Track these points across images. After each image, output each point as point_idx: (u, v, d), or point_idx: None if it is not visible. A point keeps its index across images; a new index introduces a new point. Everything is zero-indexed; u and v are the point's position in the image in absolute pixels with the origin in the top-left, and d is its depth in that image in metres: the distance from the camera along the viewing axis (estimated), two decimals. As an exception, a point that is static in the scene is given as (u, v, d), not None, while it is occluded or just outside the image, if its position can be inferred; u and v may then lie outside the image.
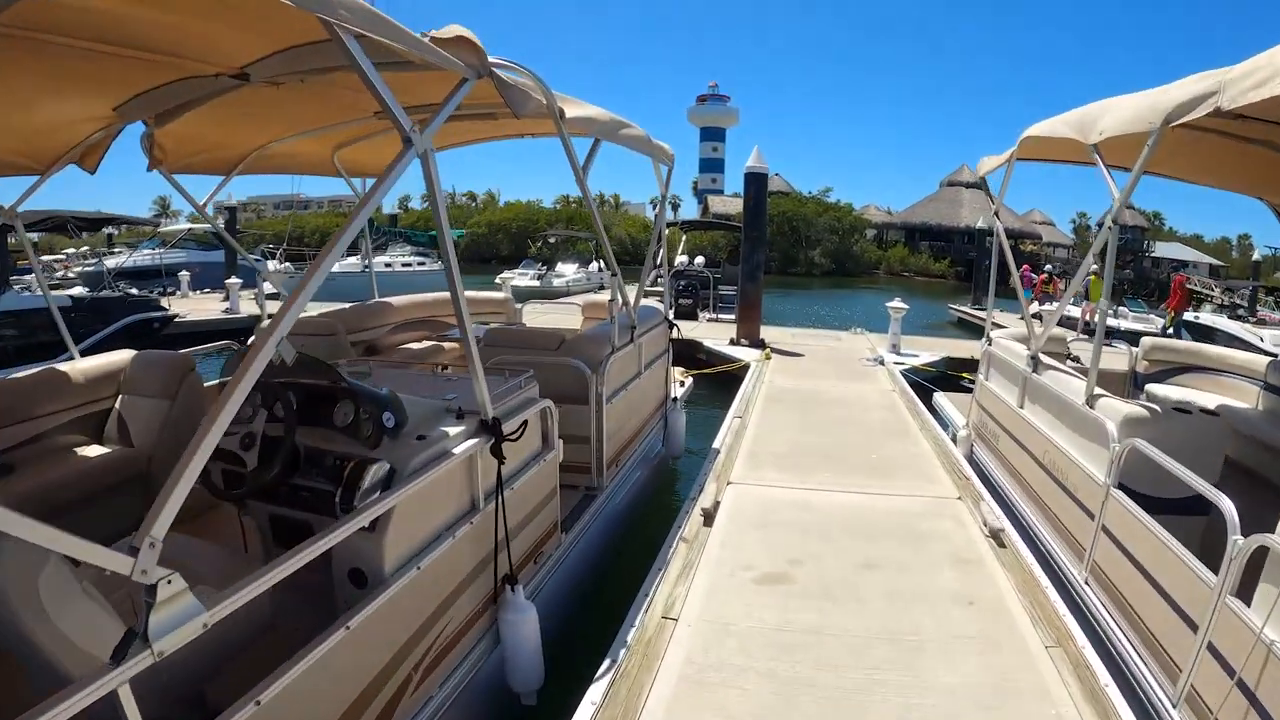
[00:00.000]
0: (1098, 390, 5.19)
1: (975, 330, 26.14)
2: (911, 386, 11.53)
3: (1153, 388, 7.88)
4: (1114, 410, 4.85)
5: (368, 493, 3.26)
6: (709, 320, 19.66)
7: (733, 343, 15.14)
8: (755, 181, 15.28)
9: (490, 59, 3.60)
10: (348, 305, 8.10)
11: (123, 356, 5.40)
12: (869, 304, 37.85)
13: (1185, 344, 9.12)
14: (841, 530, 5.78)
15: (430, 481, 3.38)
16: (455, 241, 14.78)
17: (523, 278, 26.66)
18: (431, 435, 3.59)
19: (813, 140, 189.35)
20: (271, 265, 28.60)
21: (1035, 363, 6.42)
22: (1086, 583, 4.82)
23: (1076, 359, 7.86)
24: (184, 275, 25.35)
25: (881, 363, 13.32)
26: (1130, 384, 8.45)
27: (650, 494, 7.46)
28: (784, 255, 62.33)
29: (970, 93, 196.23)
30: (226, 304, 22.07)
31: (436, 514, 3.54)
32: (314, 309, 7.90)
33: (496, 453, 3.83)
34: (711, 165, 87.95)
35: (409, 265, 30.34)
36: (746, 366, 12.81)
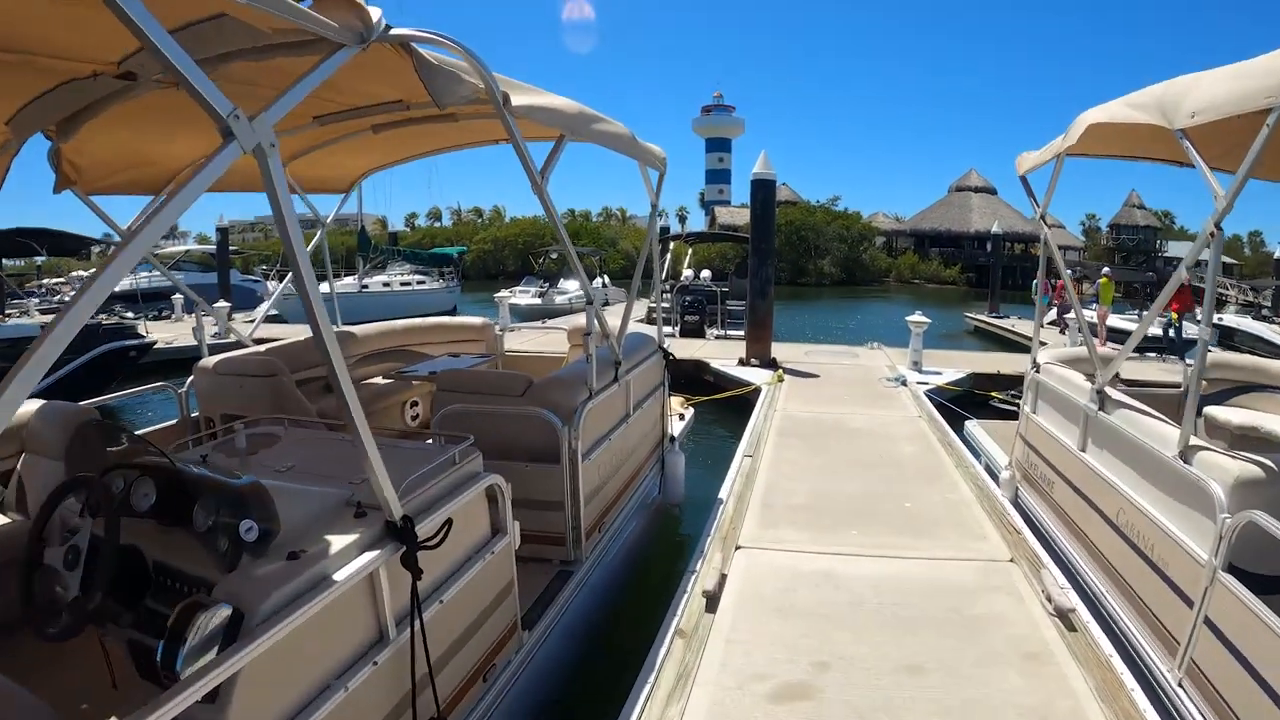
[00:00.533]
0: (1195, 440, 4.10)
1: (994, 339, 25.13)
2: (938, 409, 10.44)
3: (1214, 411, 6.74)
4: (1220, 469, 3.74)
5: (197, 651, 2.20)
6: (717, 338, 18.59)
7: (742, 363, 14.09)
8: (762, 189, 14.21)
9: (400, 30, 2.62)
10: (297, 340, 7.02)
11: (27, 408, 4.36)
12: (882, 314, 36.85)
13: (1247, 359, 7.94)
14: (876, 616, 4.66)
15: (303, 623, 2.33)
16: (458, 257, 25.63)
17: (524, 295, 25.72)
18: (312, 551, 2.54)
19: (820, 148, 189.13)
20: (272, 286, 27.85)
21: (1102, 399, 5.29)
22: (1181, 684, 3.73)
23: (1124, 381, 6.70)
24: (177, 299, 24.47)
25: (904, 383, 12.25)
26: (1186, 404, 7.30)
27: (643, 558, 6.34)
28: (793, 265, 61.39)
29: (977, 95, 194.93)
30: (215, 329, 21.07)
31: (316, 663, 2.48)
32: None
33: (410, 565, 2.78)
34: (718, 176, 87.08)
35: (408, 284, 29.47)
36: (758, 391, 11.75)
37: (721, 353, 15.44)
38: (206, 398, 5.67)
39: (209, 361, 5.68)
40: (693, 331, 18.59)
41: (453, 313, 29.56)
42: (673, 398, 8.31)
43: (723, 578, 5.07)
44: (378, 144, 5.73)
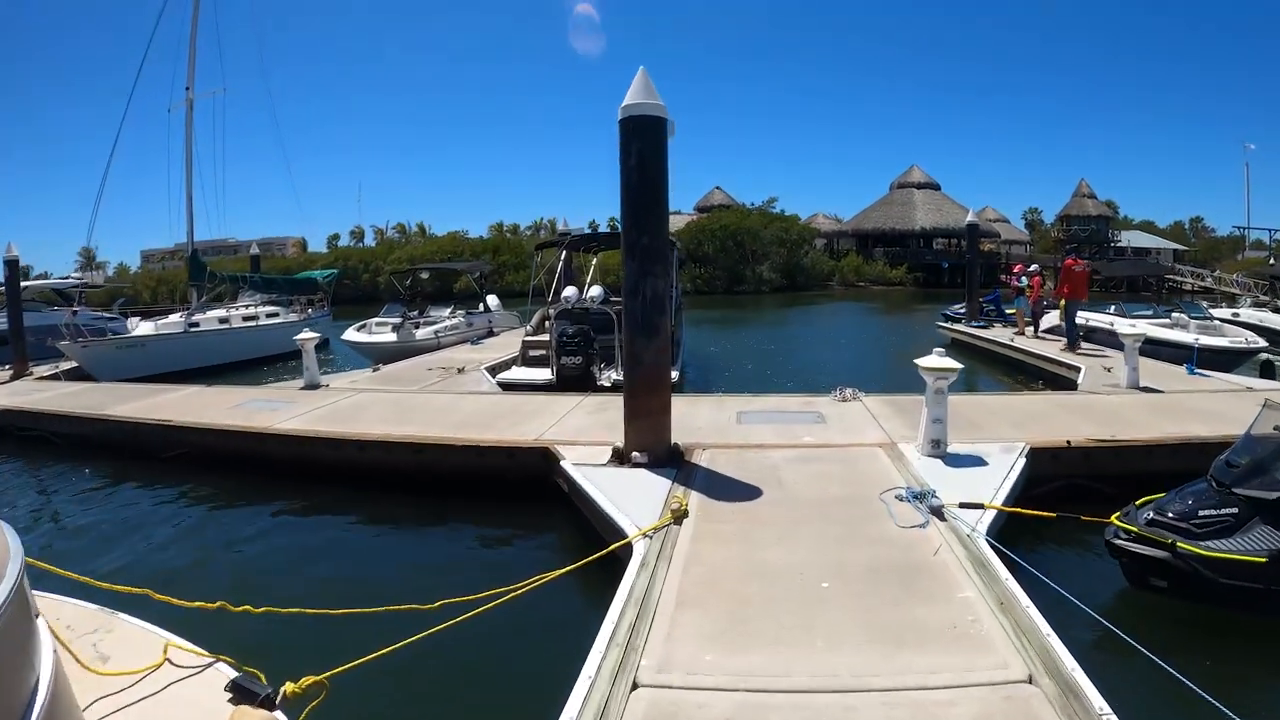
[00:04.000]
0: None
1: (983, 357, 19.03)
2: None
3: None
4: None
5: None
6: (607, 388, 11.78)
7: (619, 458, 7.39)
8: (640, 134, 7.01)
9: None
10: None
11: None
12: (833, 324, 30.46)
13: None
14: None
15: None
16: (324, 282, 19.79)
17: (381, 330, 18.76)
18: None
19: (753, 149, 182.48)
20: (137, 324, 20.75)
21: None
22: None
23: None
24: None
25: (936, 511, 5.67)
26: None
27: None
28: (729, 273, 55.10)
29: (915, 90, 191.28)
30: None
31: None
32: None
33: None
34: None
35: (253, 319, 22.34)
36: (626, 552, 5.20)
37: (598, 426, 8.80)
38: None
39: None
40: (574, 378, 11.84)
41: (322, 348, 22.69)
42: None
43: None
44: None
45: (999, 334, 19.28)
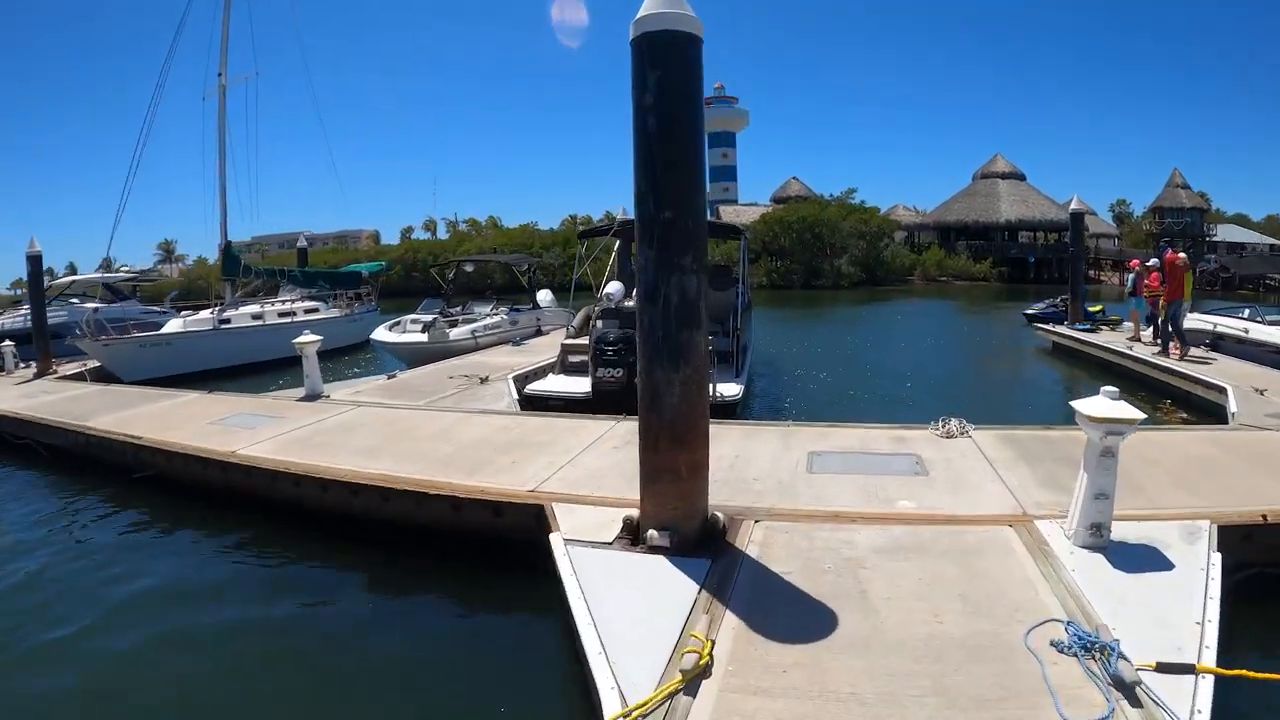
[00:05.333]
0: None
1: (1087, 364, 16.18)
2: None
3: None
4: None
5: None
6: None
7: (630, 531, 5.10)
8: (660, 57, 4.62)
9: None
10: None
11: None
12: (915, 324, 27.48)
13: None
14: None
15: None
16: (370, 276, 25.32)
17: (412, 329, 16.85)
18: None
19: (831, 139, 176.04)
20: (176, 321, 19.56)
21: None
22: None
23: None
24: (7, 347, 16.11)
25: (1127, 690, 3.22)
26: None
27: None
28: (806, 267, 52.03)
29: (997, 75, 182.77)
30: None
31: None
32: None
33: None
34: (721, 173, 77.14)
35: (290, 315, 20.80)
36: None
37: (620, 468, 6.56)
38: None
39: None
40: (612, 394, 9.62)
41: (362, 348, 21.09)
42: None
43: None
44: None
45: (1110, 339, 16.31)
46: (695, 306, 4.72)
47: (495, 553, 5.92)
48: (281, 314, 20.66)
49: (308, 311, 21.44)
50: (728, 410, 9.71)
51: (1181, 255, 14.47)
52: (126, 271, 30.29)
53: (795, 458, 6.76)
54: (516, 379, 11.46)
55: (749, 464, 6.59)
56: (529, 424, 8.60)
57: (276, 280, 22.80)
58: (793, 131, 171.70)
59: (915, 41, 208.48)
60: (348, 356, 18.55)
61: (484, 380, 11.34)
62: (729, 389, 9.90)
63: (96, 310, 19.56)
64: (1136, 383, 13.43)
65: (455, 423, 8.78)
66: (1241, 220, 77.39)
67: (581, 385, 10.34)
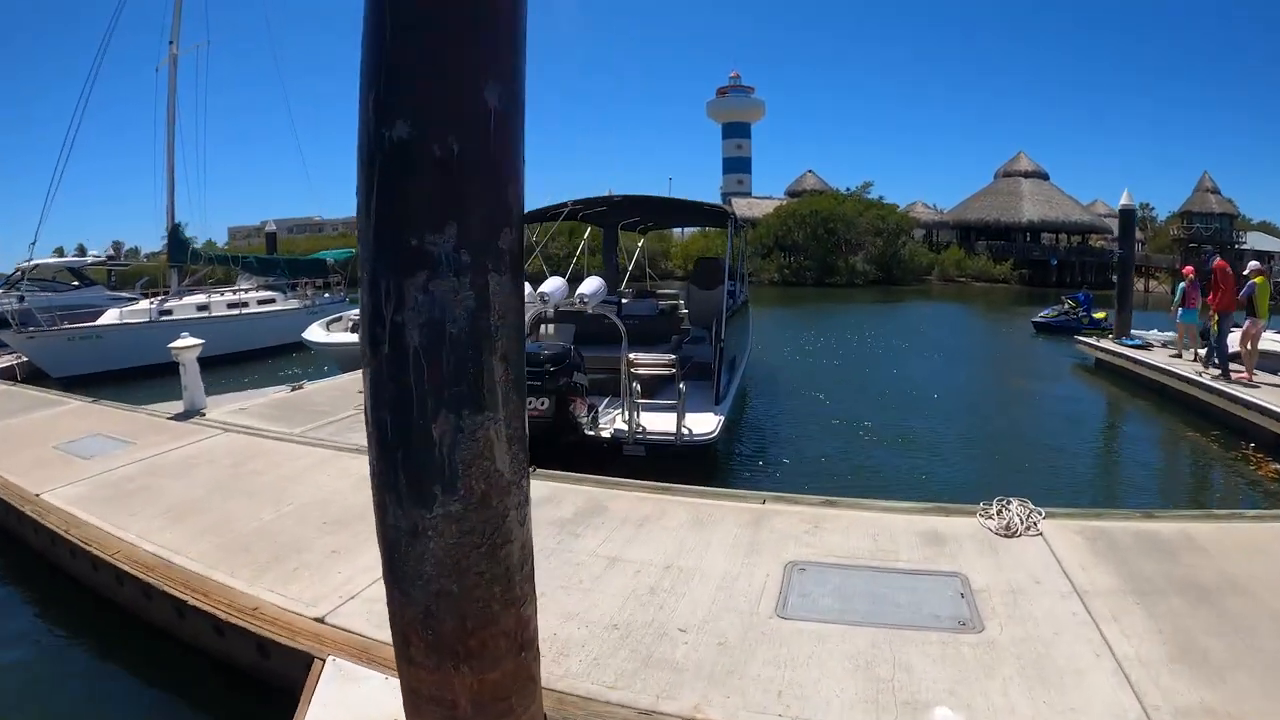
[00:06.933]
0: None
1: (1135, 386, 13.49)
2: None
3: None
4: None
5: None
6: (606, 445, 7.07)
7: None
8: None
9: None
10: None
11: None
12: (934, 332, 24.45)
13: None
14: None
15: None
16: (334, 264, 21.69)
17: (341, 327, 14.40)
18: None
19: (847, 130, 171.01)
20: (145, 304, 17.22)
21: None
22: None
23: None
24: None
25: None
26: None
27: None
28: (821, 263, 49.06)
29: (1021, 70, 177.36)
30: None
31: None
32: None
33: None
34: (736, 165, 73.79)
35: (240, 306, 18.29)
36: None
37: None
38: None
39: None
40: (555, 429, 7.05)
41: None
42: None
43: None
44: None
45: (1158, 358, 13.58)
46: (480, 352, 2.12)
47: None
48: (231, 305, 18.16)
49: (262, 303, 18.91)
50: (697, 456, 7.15)
51: (1254, 264, 11.87)
52: (94, 257, 27.90)
53: (764, 575, 4.10)
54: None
55: (685, 586, 3.98)
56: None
57: (229, 267, 20.30)
58: (810, 126, 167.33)
59: (938, 38, 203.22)
60: (296, 355, 16.07)
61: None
62: (702, 424, 7.27)
63: (23, 299, 17.19)
64: (1200, 414, 10.78)
65: (312, 466, 6.29)
66: (1266, 228, 73.68)
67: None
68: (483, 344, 2.06)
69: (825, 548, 4.39)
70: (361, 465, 6.42)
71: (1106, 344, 15.75)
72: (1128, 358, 14.43)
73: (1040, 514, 4.75)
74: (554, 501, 5.22)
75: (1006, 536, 4.49)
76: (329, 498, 5.45)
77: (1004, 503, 4.80)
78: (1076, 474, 8.71)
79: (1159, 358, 13.67)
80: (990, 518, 4.70)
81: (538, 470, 5.88)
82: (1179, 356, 13.46)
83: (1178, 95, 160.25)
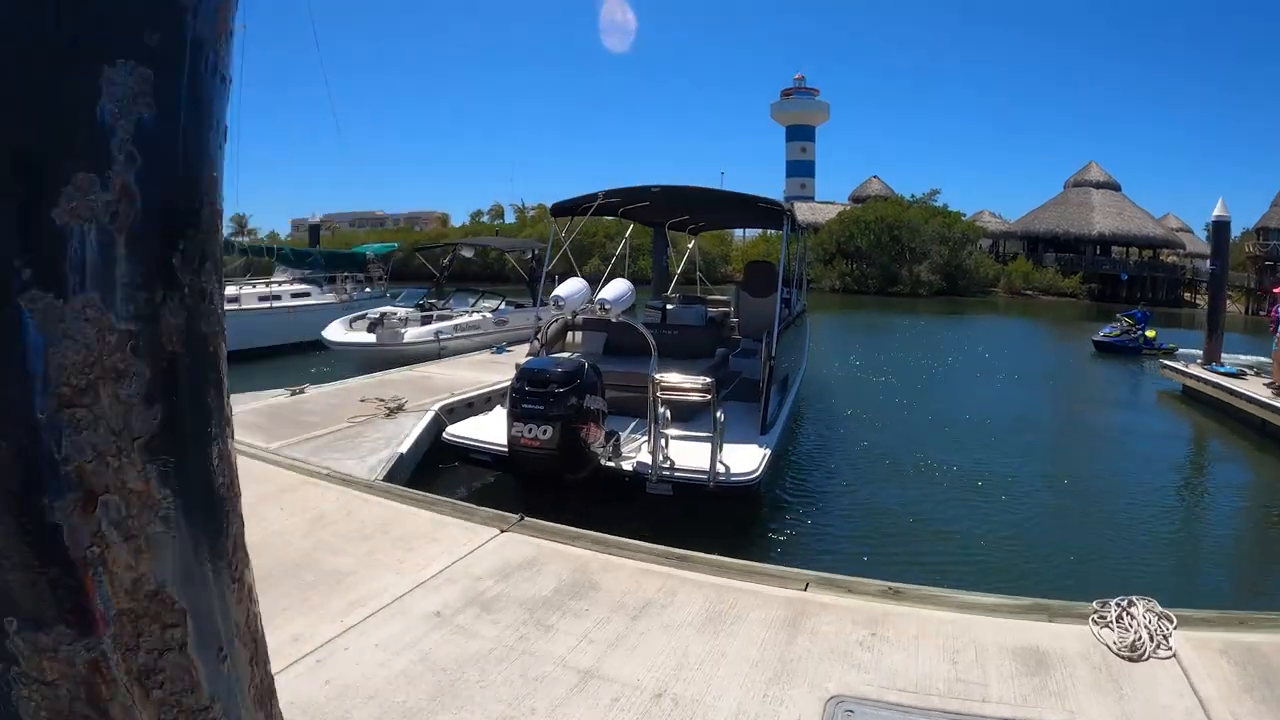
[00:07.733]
0: None
1: (1232, 419, 11.88)
2: None
3: None
4: None
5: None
6: (626, 479, 5.98)
7: None
8: None
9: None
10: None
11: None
12: (1003, 352, 22.51)
13: None
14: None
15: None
16: (373, 258, 21.78)
17: (358, 326, 13.58)
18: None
19: (913, 137, 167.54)
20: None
21: None
22: None
23: None
24: None
25: None
26: None
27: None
28: (884, 271, 47.21)
29: (1092, 79, 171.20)
30: None
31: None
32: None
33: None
34: (799, 169, 71.72)
35: (273, 298, 17.63)
36: None
37: (408, 677, 2.89)
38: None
39: None
40: (536, 462, 5.93)
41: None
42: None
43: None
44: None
45: (1256, 388, 11.86)
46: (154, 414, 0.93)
47: None
48: (262, 298, 17.51)
49: (295, 296, 18.25)
50: (738, 497, 5.99)
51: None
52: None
53: (794, 719, 2.92)
54: (443, 410, 7.87)
55: None
56: (362, 515, 4.92)
57: (264, 258, 19.69)
58: (872, 129, 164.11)
59: (1005, 42, 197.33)
60: (325, 352, 15.37)
61: (392, 410, 7.78)
62: (743, 459, 6.05)
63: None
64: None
65: (268, 496, 5.28)
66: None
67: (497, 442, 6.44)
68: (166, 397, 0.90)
69: (885, 671, 3.13)
70: (325, 496, 5.45)
71: (1195, 370, 14.04)
72: (1220, 387, 12.75)
73: (1171, 622, 3.45)
74: (533, 568, 4.07)
75: (1130, 660, 3.20)
76: (266, 541, 4.41)
77: (1124, 605, 3.51)
78: (1194, 544, 7.19)
79: (1255, 387, 11.99)
80: (1107, 626, 3.42)
81: (526, 520, 4.78)
82: (1274, 385, 11.74)
83: (1253, 105, 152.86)
